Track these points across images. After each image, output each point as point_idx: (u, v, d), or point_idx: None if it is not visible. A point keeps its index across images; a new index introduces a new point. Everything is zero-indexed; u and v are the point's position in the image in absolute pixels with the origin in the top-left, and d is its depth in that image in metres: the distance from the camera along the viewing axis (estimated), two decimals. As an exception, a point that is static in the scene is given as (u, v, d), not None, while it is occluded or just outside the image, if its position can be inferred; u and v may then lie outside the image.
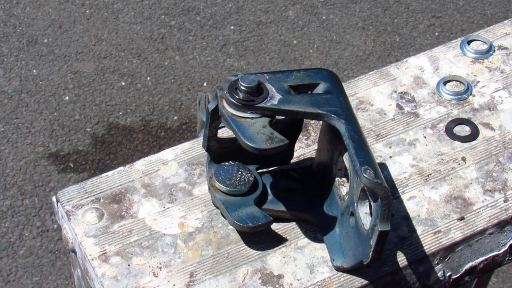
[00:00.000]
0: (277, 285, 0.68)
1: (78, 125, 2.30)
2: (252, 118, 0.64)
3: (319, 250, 0.70)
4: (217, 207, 0.73)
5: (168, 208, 0.73)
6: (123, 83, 2.42)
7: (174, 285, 0.67)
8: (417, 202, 0.74)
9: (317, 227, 0.71)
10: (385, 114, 0.82)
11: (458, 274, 0.73)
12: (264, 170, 0.74)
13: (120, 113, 2.33)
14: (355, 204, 0.65)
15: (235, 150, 0.71)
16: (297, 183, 0.73)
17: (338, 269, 0.69)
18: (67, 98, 2.37)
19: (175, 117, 2.33)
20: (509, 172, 0.77)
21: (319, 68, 0.70)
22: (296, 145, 0.77)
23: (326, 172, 0.72)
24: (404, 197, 0.74)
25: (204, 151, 0.72)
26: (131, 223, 0.72)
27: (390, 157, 0.78)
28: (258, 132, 0.63)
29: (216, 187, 0.71)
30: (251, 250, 0.70)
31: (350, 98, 0.81)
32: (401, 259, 0.70)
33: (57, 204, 0.74)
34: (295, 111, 0.65)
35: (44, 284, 1.95)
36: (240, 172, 0.71)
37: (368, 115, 0.81)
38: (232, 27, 2.60)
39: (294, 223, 0.72)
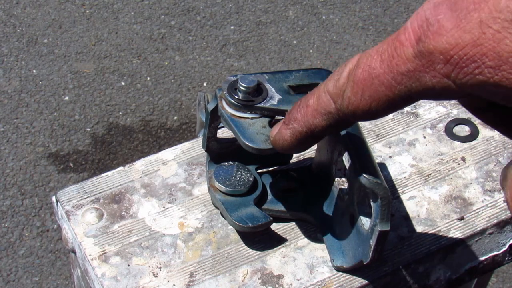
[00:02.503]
0: (277, 285, 0.68)
1: (78, 125, 2.30)
2: (251, 118, 0.64)
3: (319, 250, 0.70)
4: (216, 207, 0.73)
5: (168, 208, 0.73)
6: (123, 83, 2.42)
7: (174, 285, 0.67)
8: (417, 202, 0.74)
9: (317, 227, 0.71)
10: (385, 114, 0.82)
11: (458, 274, 0.73)
12: (264, 170, 0.74)
13: (120, 113, 2.33)
14: (355, 204, 0.65)
15: (235, 150, 0.71)
16: (297, 183, 0.73)
17: (338, 269, 0.69)
18: (67, 98, 2.37)
19: (175, 117, 2.33)
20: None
21: (319, 68, 0.70)
22: (296, 145, 0.77)
23: (325, 172, 0.72)
24: (404, 197, 0.74)
25: (204, 151, 0.72)
26: (131, 223, 0.72)
27: (390, 157, 0.78)
28: (257, 133, 0.63)
29: (215, 187, 0.71)
30: (251, 250, 0.70)
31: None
32: (401, 259, 0.70)
33: (56, 204, 0.74)
34: (295, 111, 0.65)
35: (44, 284, 1.95)
36: (239, 172, 0.71)
37: (368, 115, 0.81)
38: (232, 27, 2.60)
39: (294, 223, 0.72)
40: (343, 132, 0.65)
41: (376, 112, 0.50)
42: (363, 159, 0.62)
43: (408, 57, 0.46)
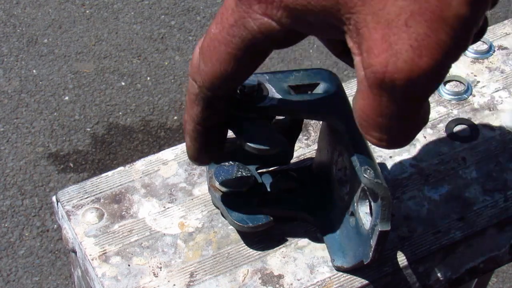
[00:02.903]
0: (277, 285, 0.68)
1: (78, 125, 2.30)
2: (252, 118, 0.64)
3: (319, 250, 0.70)
4: (217, 207, 0.73)
5: (168, 208, 0.73)
6: (123, 83, 2.42)
7: (174, 285, 0.67)
8: (417, 202, 0.74)
9: (317, 227, 0.71)
10: (385, 114, 0.82)
11: (458, 274, 0.73)
12: (264, 170, 0.74)
13: (120, 113, 2.33)
14: (355, 204, 0.65)
15: (235, 150, 0.71)
16: (297, 183, 0.73)
17: (338, 269, 0.69)
18: (67, 98, 2.37)
19: (175, 117, 2.33)
20: (509, 172, 0.77)
21: (319, 68, 0.70)
22: (296, 145, 0.77)
23: (326, 172, 0.72)
24: (404, 197, 0.74)
25: (204, 151, 0.72)
26: (131, 223, 0.72)
27: (390, 157, 0.78)
28: (258, 132, 0.63)
29: (216, 187, 0.71)
30: (251, 250, 0.70)
31: (350, 98, 0.81)
32: (401, 259, 0.70)
33: (57, 204, 0.74)
34: (295, 111, 0.65)
35: (44, 284, 1.95)
36: (240, 172, 0.71)
37: (368, 115, 0.81)
38: (232, 27, 2.60)
39: (294, 223, 0.72)
40: (343, 132, 0.65)
41: (229, 75, 0.52)
42: (363, 159, 0.62)
43: (232, 8, 0.49)
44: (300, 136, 0.78)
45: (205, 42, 0.52)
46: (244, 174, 0.71)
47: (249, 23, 0.49)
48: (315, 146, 0.77)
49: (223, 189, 0.70)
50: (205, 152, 0.60)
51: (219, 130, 0.59)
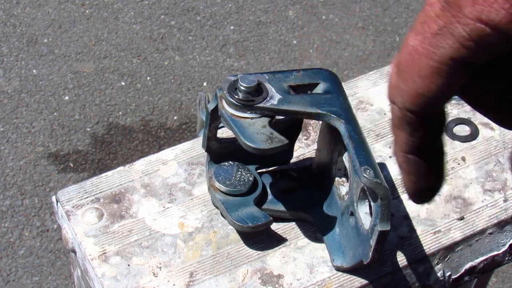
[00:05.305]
0: (277, 285, 0.68)
1: (78, 125, 2.30)
2: (251, 118, 0.64)
3: (319, 250, 0.70)
4: (217, 207, 0.73)
5: (168, 208, 0.73)
6: (123, 83, 2.42)
7: (174, 285, 0.67)
8: (417, 202, 0.74)
9: (317, 227, 0.71)
10: (385, 114, 0.82)
11: (458, 274, 0.73)
12: (264, 170, 0.74)
13: (120, 113, 2.33)
14: (355, 204, 0.65)
15: (235, 150, 0.71)
16: (297, 183, 0.73)
17: (338, 269, 0.69)
18: (67, 98, 2.37)
19: (175, 117, 2.33)
20: (509, 172, 0.77)
21: (319, 68, 0.70)
22: (296, 145, 0.77)
23: (325, 172, 0.72)
24: (404, 197, 0.74)
25: (204, 151, 0.72)
26: (131, 223, 0.72)
27: (390, 157, 0.78)
28: (257, 132, 0.63)
29: (215, 187, 0.71)
30: (251, 250, 0.70)
31: (350, 98, 0.81)
32: (401, 259, 0.70)
33: (56, 204, 0.74)
34: (295, 111, 0.65)
35: (44, 284, 1.95)
36: (239, 172, 0.71)
37: (368, 115, 0.81)
38: (232, 27, 2.60)
39: (294, 223, 0.72)
40: (343, 132, 0.65)
41: (434, 93, 0.45)
42: (363, 159, 0.62)
43: (437, 14, 0.43)
44: (300, 136, 0.78)
45: (403, 57, 0.45)
46: (244, 174, 0.71)
47: (457, 29, 0.42)
48: (315, 146, 0.77)
49: (223, 188, 0.70)
50: (425, 184, 0.50)
51: (434, 155, 0.50)
